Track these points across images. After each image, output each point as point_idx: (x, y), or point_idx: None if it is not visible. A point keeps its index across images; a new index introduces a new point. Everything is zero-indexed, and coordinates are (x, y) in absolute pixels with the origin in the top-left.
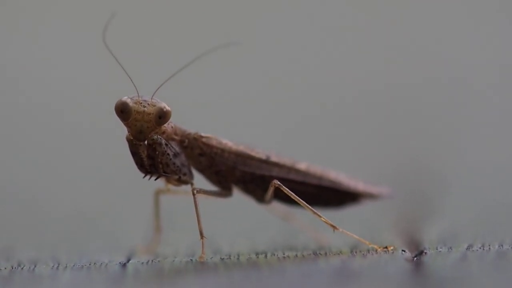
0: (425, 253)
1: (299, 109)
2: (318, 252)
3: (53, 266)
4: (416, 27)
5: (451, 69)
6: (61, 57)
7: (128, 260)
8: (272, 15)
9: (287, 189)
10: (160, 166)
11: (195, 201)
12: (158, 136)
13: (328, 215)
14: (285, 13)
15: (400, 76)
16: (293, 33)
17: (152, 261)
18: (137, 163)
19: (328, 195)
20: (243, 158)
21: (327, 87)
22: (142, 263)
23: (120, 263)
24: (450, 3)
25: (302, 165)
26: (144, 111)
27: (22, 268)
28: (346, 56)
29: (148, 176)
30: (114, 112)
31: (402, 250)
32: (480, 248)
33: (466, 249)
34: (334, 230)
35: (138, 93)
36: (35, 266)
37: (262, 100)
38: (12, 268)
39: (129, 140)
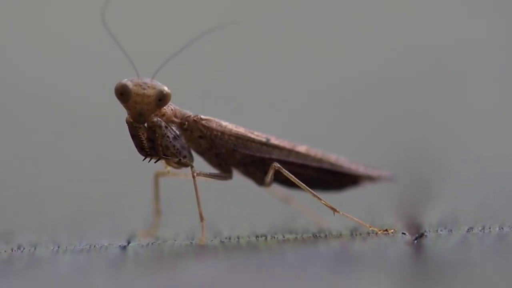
0: (426, 236)
1: (301, 95)
2: (318, 235)
3: (53, 249)
4: (418, 21)
5: (453, 57)
6: (58, 40)
7: (128, 243)
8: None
9: (287, 171)
10: (160, 148)
11: (195, 184)
12: (158, 118)
13: (328, 198)
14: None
15: (402, 64)
16: (297, 18)
17: (152, 244)
18: (137, 146)
19: (328, 178)
20: (243, 140)
21: (330, 73)
22: (142, 246)
23: (120, 246)
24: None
25: (302, 148)
26: (144, 93)
27: (22, 251)
28: (349, 44)
29: (148, 159)
30: (114, 95)
31: (403, 233)
32: (480, 230)
33: (467, 231)
34: (334, 213)
35: (138, 75)
36: (35, 249)
37: (264, 82)
38: (12, 250)
39: (128, 123)
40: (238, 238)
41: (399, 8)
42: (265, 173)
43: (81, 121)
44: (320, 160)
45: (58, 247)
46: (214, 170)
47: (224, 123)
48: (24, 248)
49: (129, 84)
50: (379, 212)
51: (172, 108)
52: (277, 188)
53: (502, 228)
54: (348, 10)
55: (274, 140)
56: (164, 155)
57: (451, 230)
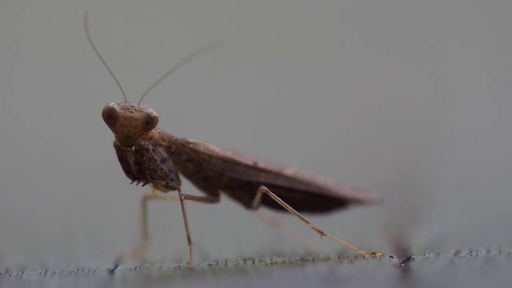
0: (413, 259)
1: (290, 117)
2: (305, 258)
3: (41, 272)
4: (410, 46)
5: (439, 79)
6: (45, 61)
7: (116, 266)
8: (264, 16)
9: (274, 195)
10: (148, 172)
11: (182, 207)
12: (146, 141)
13: (316, 221)
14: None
15: (390, 87)
16: (285, 36)
17: (140, 267)
18: (124, 169)
19: (315, 201)
20: (231, 164)
21: (319, 95)
22: (130, 269)
23: (107, 269)
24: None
25: (289, 171)
26: (131, 116)
27: (9, 275)
28: (339, 65)
29: (135, 182)
30: (101, 118)
31: (390, 256)
32: (467, 254)
33: (454, 255)
34: (321, 236)
35: (125, 99)
36: (23, 272)
37: (252, 105)
38: (0, 274)
39: (116, 146)
40: (226, 261)
41: (393, 30)
42: (253, 196)
43: (67, 144)
44: (307, 183)
45: (46, 270)
46: (201, 194)
47: (211, 147)
48: (12, 271)
49: (116, 107)
50: (366, 235)
51: (160, 131)
52: (264, 211)
53: (489, 251)
54: (344, 29)
55: (261, 164)
56: (152, 178)
57: (438, 253)
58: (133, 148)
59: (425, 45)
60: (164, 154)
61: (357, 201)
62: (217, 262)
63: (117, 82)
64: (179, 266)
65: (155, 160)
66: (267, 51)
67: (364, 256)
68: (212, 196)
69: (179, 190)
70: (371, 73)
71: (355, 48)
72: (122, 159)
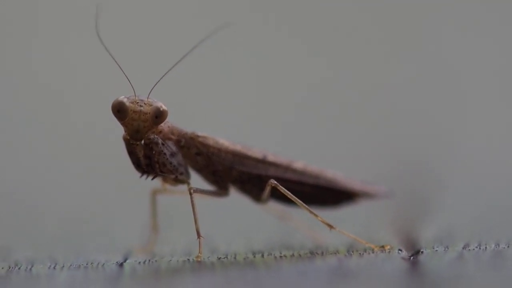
0: (422, 252)
1: (296, 108)
2: (314, 252)
3: (50, 266)
4: (413, 33)
5: (449, 69)
6: (54, 55)
7: (125, 260)
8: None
9: (283, 188)
10: (157, 165)
11: (192, 201)
12: (155, 135)
13: (325, 214)
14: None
15: (397, 75)
16: (289, 28)
17: (149, 260)
18: (134, 163)
19: (324, 195)
20: (240, 157)
21: (325, 85)
22: (139, 262)
23: (117, 262)
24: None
25: (298, 165)
26: (140, 110)
27: (19, 268)
28: (344, 54)
29: (145, 176)
30: (111, 112)
31: (399, 249)
32: (476, 247)
33: (463, 248)
34: (330, 229)
35: (134, 93)
36: (32, 266)
37: (260, 98)
38: (9, 268)
39: (125, 140)
40: (235, 254)
41: (398, 18)
42: (262, 190)
43: (77, 137)
44: (316, 177)
45: (55, 264)
46: (210, 187)
47: (220, 141)
48: (21, 265)
49: (126, 101)
50: (375, 229)
51: (169, 125)
52: (273, 205)
53: (498, 245)
54: (349, 20)
55: (270, 157)
56: (161, 172)
57: (447, 246)
58: (143, 142)
59: (434, 36)
60: (174, 148)
61: (366, 195)
62: (226, 255)
63: (126, 76)
64: (188, 259)
65: (165, 154)
66: (274, 43)
67: (373, 250)
68: (221, 189)
69: (188, 184)
70: (379, 65)
71: (361, 41)
72: (131, 153)
